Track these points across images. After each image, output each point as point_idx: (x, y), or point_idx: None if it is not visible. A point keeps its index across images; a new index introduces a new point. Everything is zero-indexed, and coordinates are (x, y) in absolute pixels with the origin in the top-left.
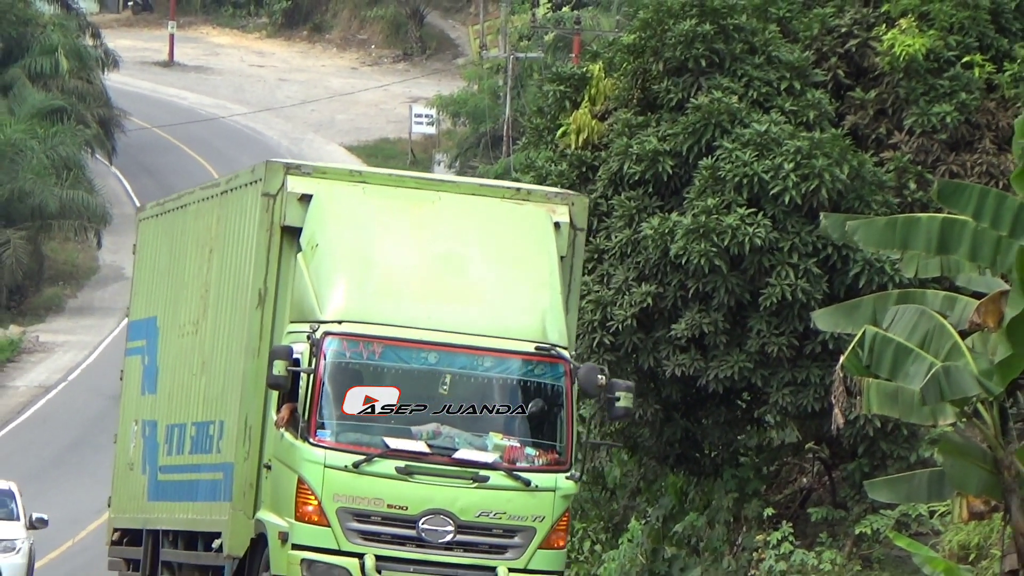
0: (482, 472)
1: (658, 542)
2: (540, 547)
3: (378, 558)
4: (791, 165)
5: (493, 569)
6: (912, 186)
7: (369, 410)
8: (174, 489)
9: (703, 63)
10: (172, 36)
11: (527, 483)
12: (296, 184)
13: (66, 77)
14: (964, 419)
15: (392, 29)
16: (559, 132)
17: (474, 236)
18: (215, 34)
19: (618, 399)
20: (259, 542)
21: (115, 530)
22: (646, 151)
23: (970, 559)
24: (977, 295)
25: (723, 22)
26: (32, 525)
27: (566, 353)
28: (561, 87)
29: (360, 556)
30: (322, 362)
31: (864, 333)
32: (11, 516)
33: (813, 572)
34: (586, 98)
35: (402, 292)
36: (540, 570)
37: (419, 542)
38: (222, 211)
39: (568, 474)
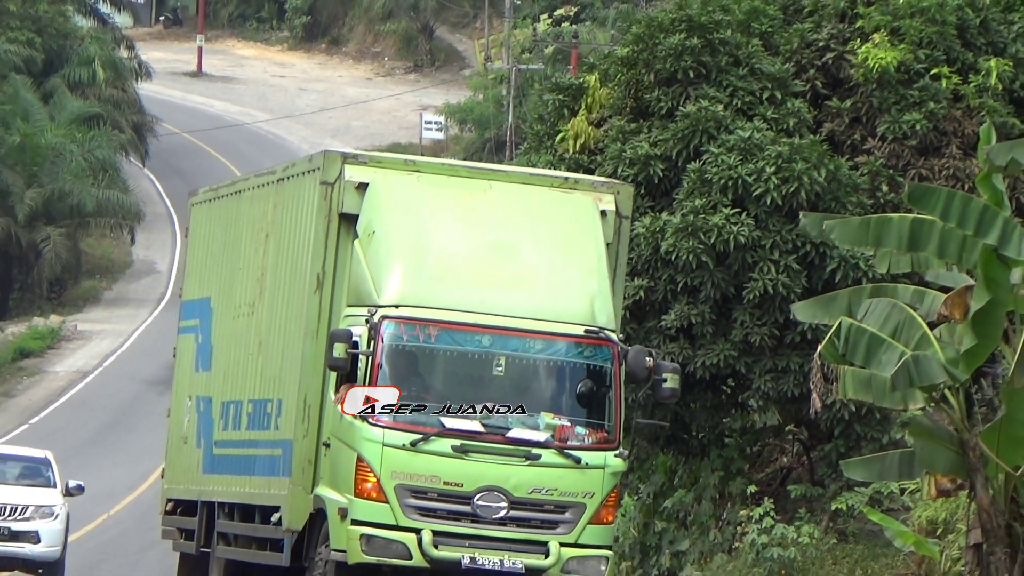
0: (534, 450)
1: (649, 516)
2: (590, 522)
3: (434, 533)
4: (772, 169)
5: (545, 544)
6: (884, 188)
7: (425, 391)
8: (230, 463)
9: (691, 74)
10: (200, 48)
11: (577, 461)
12: (353, 173)
13: (102, 86)
14: (932, 404)
15: (404, 42)
16: (558, 138)
17: (524, 223)
18: (240, 47)
19: (665, 380)
20: (318, 517)
21: (168, 500)
22: (638, 155)
23: (938, 533)
24: (944, 289)
25: (709, 36)
26: (68, 492)
27: (614, 336)
28: (560, 96)
29: (417, 531)
30: (380, 344)
31: (840, 324)
32: (48, 483)
33: (792, 545)
34: (583, 106)
35: (456, 277)
36: (590, 544)
37: (474, 518)
38: (278, 198)
39: (616, 452)
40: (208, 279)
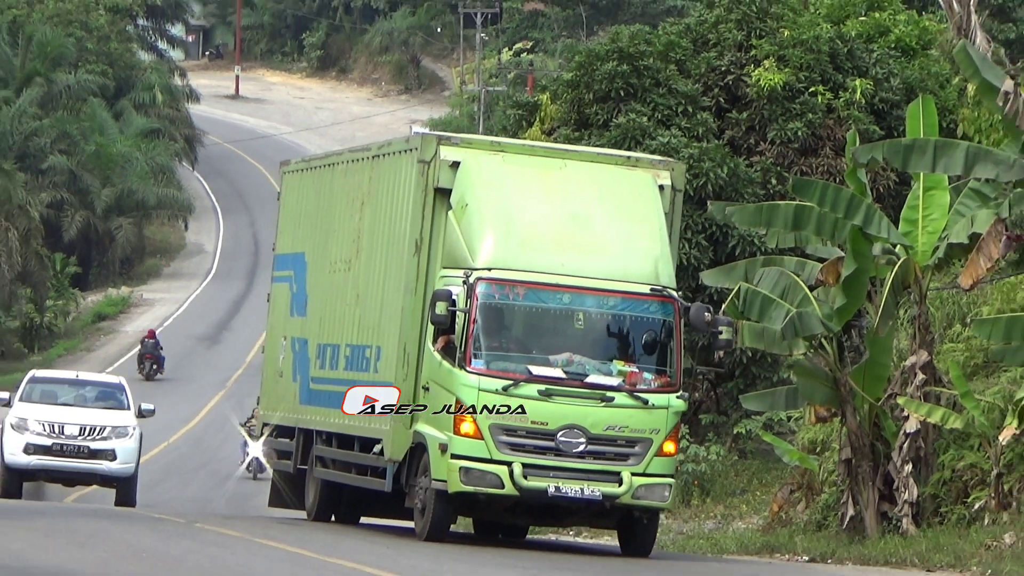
0: (608, 394)
1: None
2: (656, 455)
3: (524, 466)
4: (685, 167)
5: (618, 474)
6: (773, 182)
7: (513, 343)
8: (328, 397)
9: (622, 93)
10: (238, 76)
11: (645, 402)
12: (447, 153)
13: (161, 107)
14: (812, 350)
15: (397, 70)
16: None
17: (596, 196)
18: (269, 75)
19: (721, 332)
20: (416, 450)
21: (264, 425)
22: None
23: (817, 450)
24: (821, 260)
25: (636, 63)
26: (141, 414)
27: (675, 293)
28: (519, 111)
29: (509, 464)
30: (475, 302)
31: (739, 288)
32: (122, 406)
33: (703, 461)
34: (538, 119)
35: (539, 244)
36: (656, 473)
37: (557, 452)
38: (374, 172)
39: (678, 394)
40: (301, 237)
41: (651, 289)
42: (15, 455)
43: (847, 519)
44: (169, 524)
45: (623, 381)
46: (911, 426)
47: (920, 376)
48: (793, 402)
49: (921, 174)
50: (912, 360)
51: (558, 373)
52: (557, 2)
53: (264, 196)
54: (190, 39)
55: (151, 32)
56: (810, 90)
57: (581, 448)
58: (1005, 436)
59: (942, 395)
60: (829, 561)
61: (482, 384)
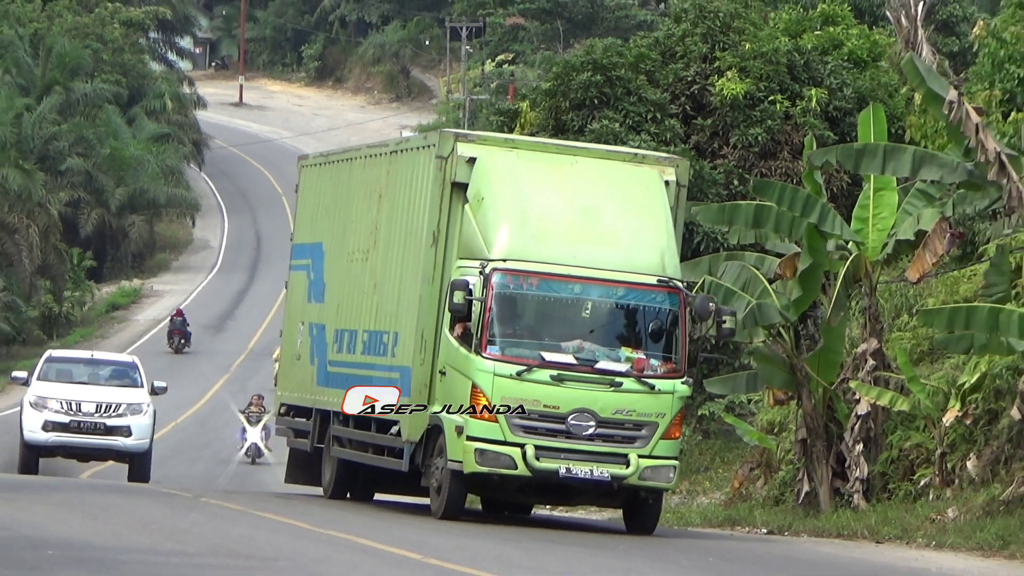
0: (617, 379)
1: None
2: (662, 438)
3: (536, 448)
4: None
5: (626, 456)
6: (736, 183)
7: (526, 330)
8: (345, 380)
9: (596, 101)
10: (241, 85)
11: (652, 387)
12: (464, 149)
13: (170, 113)
14: (771, 338)
15: (388, 80)
16: None
17: (605, 191)
18: (270, 84)
19: (724, 321)
20: (432, 431)
21: (282, 405)
22: None
23: (775, 431)
24: (779, 255)
25: (609, 74)
26: (154, 391)
27: (681, 284)
28: (501, 118)
29: (522, 446)
30: (491, 292)
31: (704, 281)
32: (136, 384)
33: None
34: (518, 125)
35: (551, 236)
36: (662, 456)
37: (568, 434)
38: (391, 167)
39: (683, 380)
40: (319, 227)
41: (658, 280)
42: (34, 432)
43: (803, 495)
44: (177, 498)
45: (631, 367)
46: (862, 408)
47: (870, 362)
48: (753, 386)
49: (872, 176)
50: (863, 347)
51: (569, 359)
52: (536, 17)
53: (265, 196)
54: (197, 51)
55: (161, 44)
56: (769, 99)
57: (591, 431)
58: (948, 418)
59: (890, 380)
60: (786, 533)
61: (497, 369)
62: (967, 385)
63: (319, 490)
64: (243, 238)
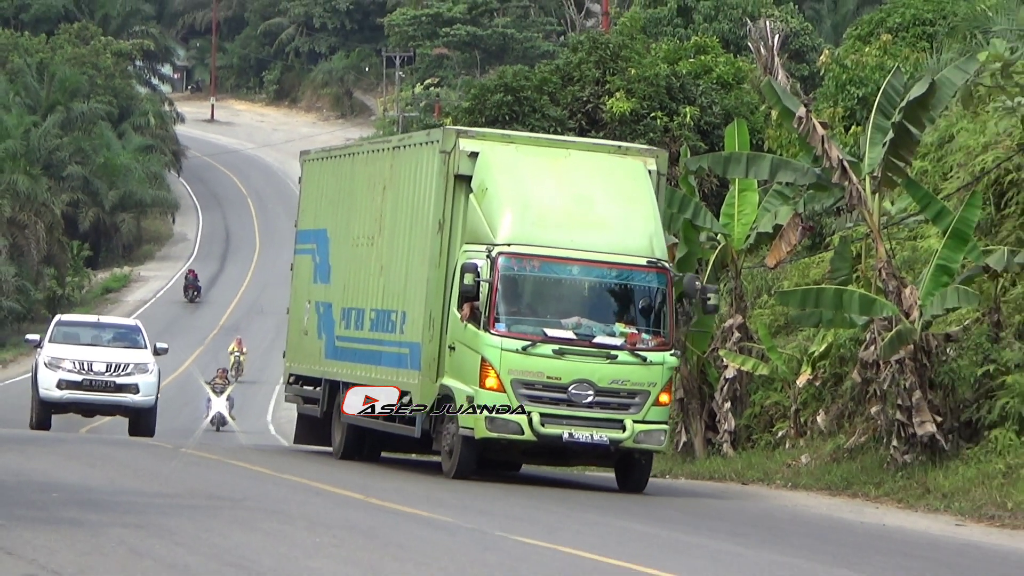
0: (612, 352)
1: None
2: (653, 404)
3: (541, 415)
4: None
5: (621, 421)
6: None
7: (530, 309)
8: (353, 354)
9: (507, 117)
10: (212, 105)
11: (644, 359)
12: (466, 144)
13: (153, 128)
14: None
15: (335, 100)
16: None
17: (597, 181)
18: (237, 104)
19: (709, 298)
20: (443, 400)
21: (291, 375)
22: None
23: None
24: None
25: (517, 95)
26: (156, 352)
27: (668, 265)
28: None
29: (528, 414)
30: (497, 273)
31: None
32: (140, 345)
33: None
34: None
35: (551, 222)
36: (653, 420)
37: (569, 403)
38: (395, 161)
39: (671, 352)
40: (323, 215)
41: (647, 261)
42: (49, 390)
43: (681, 444)
44: (161, 449)
45: (625, 341)
46: (730, 373)
47: (736, 334)
48: None
49: (736, 179)
50: (730, 322)
51: (569, 335)
52: (458, 48)
53: (234, 197)
54: (176, 76)
55: (146, 71)
56: (651, 115)
57: (590, 399)
58: (801, 381)
59: (753, 349)
60: (667, 476)
61: (504, 344)
62: (816, 353)
63: (328, 449)
64: (215, 232)
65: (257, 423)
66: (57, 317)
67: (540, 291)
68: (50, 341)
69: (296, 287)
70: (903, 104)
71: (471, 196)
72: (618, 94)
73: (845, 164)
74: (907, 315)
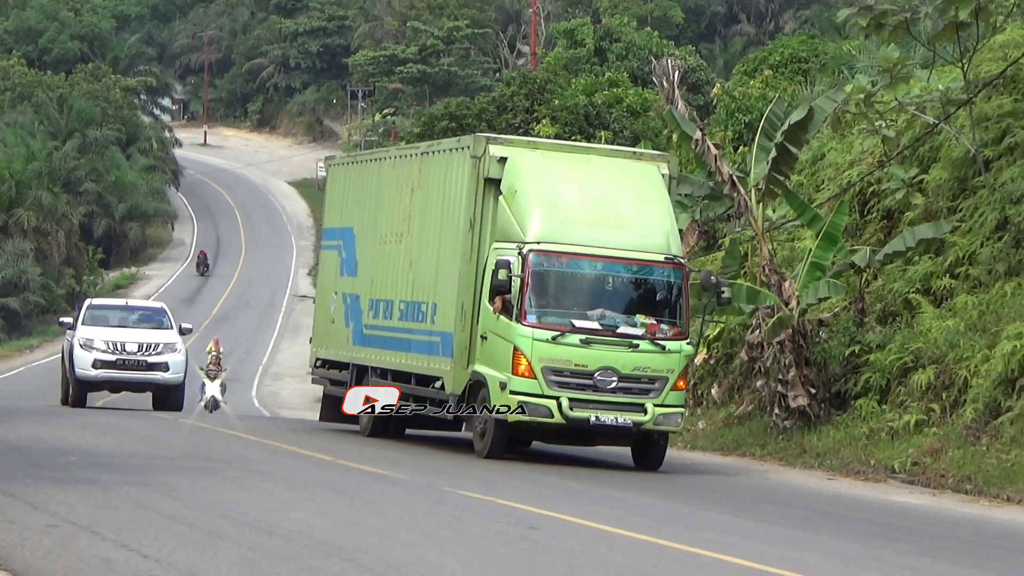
0: (634, 341)
1: None
2: (671, 390)
3: (569, 400)
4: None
5: (643, 405)
6: None
7: (558, 301)
8: (383, 341)
9: None
10: (205, 131)
11: (663, 348)
12: (495, 150)
13: (155, 151)
14: None
15: (308, 127)
16: None
17: (617, 183)
18: (225, 130)
19: (723, 292)
20: (474, 386)
21: (318, 359)
22: None
23: None
24: None
25: (461, 122)
26: (182, 332)
27: (684, 261)
28: None
29: (557, 399)
30: (528, 269)
31: None
32: (166, 326)
33: None
34: None
35: (576, 222)
36: (672, 404)
37: (594, 388)
38: (423, 165)
39: (687, 341)
40: (349, 214)
41: (665, 258)
42: (85, 369)
43: None
44: (163, 420)
45: (645, 331)
46: None
47: None
48: None
49: None
50: None
51: (594, 325)
52: (410, 83)
53: (224, 209)
54: (175, 107)
55: (149, 103)
56: (572, 138)
57: (614, 385)
58: (698, 359)
59: None
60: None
61: (535, 335)
62: (711, 336)
63: (354, 426)
64: (207, 239)
65: (242, 400)
66: (88, 301)
67: (567, 285)
68: (83, 324)
69: (323, 280)
70: (783, 128)
71: (500, 198)
72: (544, 121)
73: (734, 178)
74: (786, 304)
